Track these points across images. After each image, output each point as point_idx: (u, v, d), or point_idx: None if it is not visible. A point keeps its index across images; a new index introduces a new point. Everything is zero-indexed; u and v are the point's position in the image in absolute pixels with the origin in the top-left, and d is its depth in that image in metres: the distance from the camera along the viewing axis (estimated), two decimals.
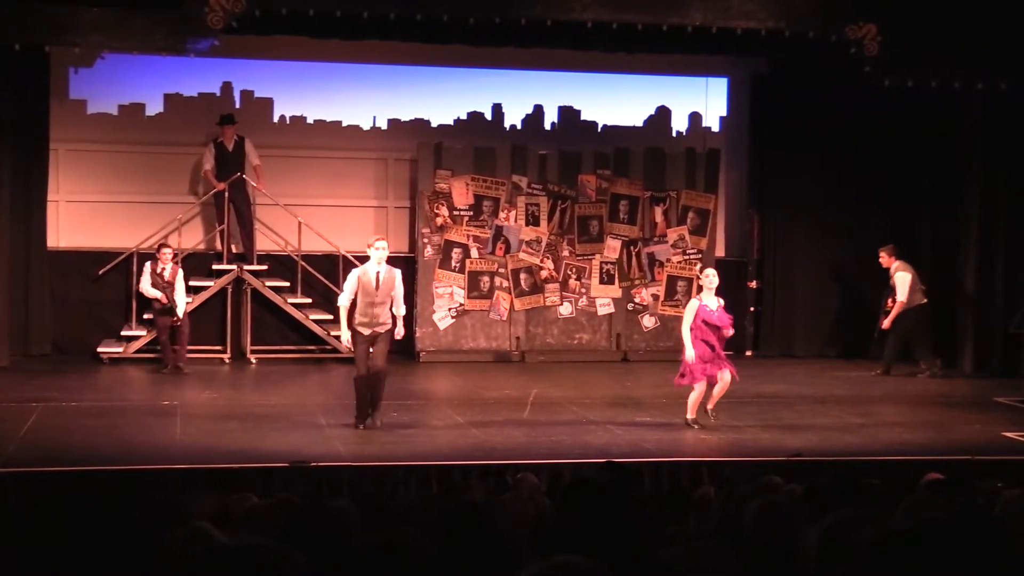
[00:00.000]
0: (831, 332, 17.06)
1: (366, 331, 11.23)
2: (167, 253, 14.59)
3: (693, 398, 11.53)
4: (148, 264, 14.67)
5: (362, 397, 11.29)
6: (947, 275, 16.22)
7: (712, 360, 11.45)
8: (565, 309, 16.18)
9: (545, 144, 16.36)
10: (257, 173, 15.55)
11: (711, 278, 11.63)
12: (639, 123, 17.14)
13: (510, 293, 16.02)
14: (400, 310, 11.41)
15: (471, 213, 15.90)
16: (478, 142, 16.14)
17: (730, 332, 11.62)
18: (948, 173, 16.11)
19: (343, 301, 11.33)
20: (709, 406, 11.65)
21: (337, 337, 14.84)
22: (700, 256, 16.39)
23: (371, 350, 11.30)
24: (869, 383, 14.71)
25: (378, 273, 11.23)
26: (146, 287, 14.61)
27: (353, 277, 11.36)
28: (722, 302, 11.69)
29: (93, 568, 3.03)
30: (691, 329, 11.40)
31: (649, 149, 16.45)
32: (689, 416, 11.51)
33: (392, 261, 11.68)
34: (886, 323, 15.25)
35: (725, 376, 11.54)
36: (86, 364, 14.67)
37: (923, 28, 13.87)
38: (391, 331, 11.40)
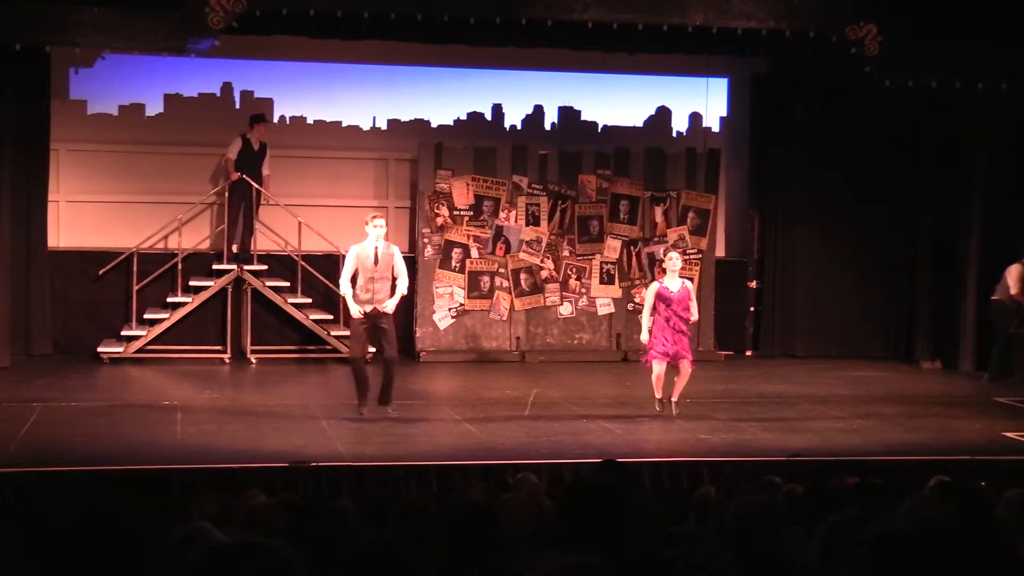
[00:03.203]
0: (831, 332, 17.06)
1: (367, 307, 11.30)
2: None
3: (653, 380, 11.80)
4: None
5: (361, 379, 11.41)
6: (947, 275, 16.23)
7: (673, 344, 11.62)
8: (565, 309, 16.18)
9: (545, 144, 16.36)
10: (264, 182, 15.56)
11: (674, 261, 11.92)
12: (639, 123, 17.14)
13: (510, 293, 16.02)
14: (402, 287, 11.39)
15: (471, 213, 15.90)
16: (478, 142, 16.15)
17: (692, 316, 11.74)
18: (948, 173, 16.11)
19: (344, 282, 11.37)
20: (673, 398, 11.80)
21: (338, 337, 14.90)
22: (700, 256, 16.40)
23: (379, 335, 11.37)
24: (869, 383, 14.71)
25: (376, 248, 11.30)
26: None
27: (351, 254, 11.44)
28: (689, 285, 11.92)
29: (93, 568, 3.03)
30: (652, 312, 11.64)
31: (649, 149, 16.45)
32: (657, 396, 11.77)
33: None
34: None
35: (685, 368, 11.73)
36: (86, 364, 14.67)
37: (923, 28, 13.87)
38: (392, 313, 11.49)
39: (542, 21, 13.51)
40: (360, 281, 11.33)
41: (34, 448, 10.08)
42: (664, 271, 12.01)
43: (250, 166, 15.44)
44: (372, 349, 11.66)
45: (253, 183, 15.43)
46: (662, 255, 13.29)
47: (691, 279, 16.00)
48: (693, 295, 11.94)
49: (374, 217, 11.52)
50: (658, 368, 11.76)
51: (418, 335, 15.78)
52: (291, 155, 16.08)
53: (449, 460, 9.95)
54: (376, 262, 11.26)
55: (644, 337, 11.75)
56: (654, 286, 11.89)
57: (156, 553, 3.36)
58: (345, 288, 11.43)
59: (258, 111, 15.98)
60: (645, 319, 11.78)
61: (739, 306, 16.94)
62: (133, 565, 3.05)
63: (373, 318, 11.36)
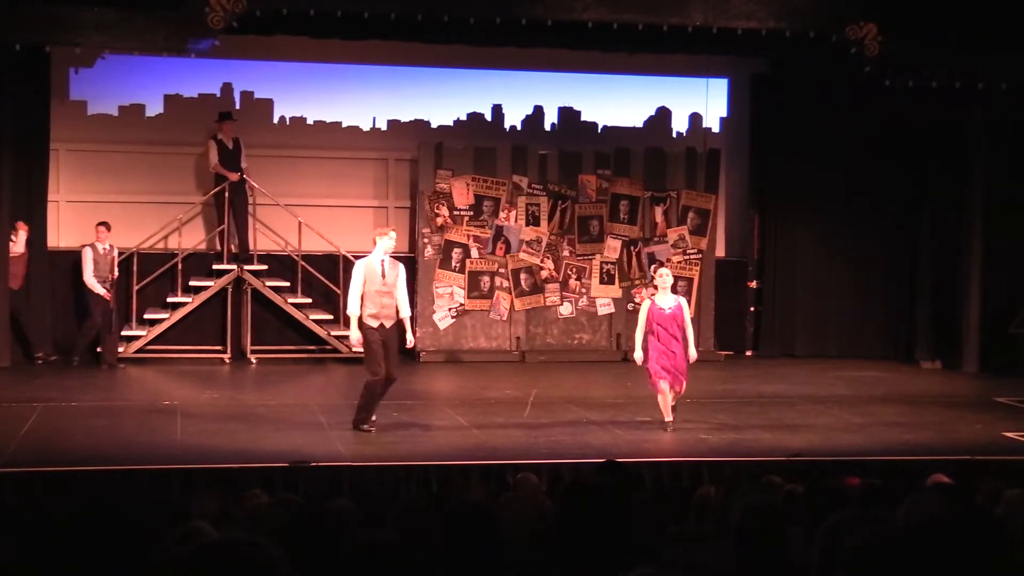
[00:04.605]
0: (831, 332, 17.05)
1: (375, 323, 10.83)
2: (104, 231, 14.76)
3: (661, 402, 11.35)
4: (88, 250, 14.72)
5: (373, 400, 10.99)
6: (947, 275, 16.23)
7: (670, 365, 11.22)
8: (565, 309, 16.18)
9: (545, 144, 16.36)
10: (245, 175, 15.56)
11: (665, 278, 11.40)
12: (639, 124, 17.14)
13: (510, 293, 16.03)
14: (405, 311, 11.07)
15: (471, 213, 15.90)
16: (478, 142, 16.15)
17: (691, 356, 11.30)
18: (948, 173, 16.11)
19: (353, 301, 10.88)
20: (667, 418, 11.47)
21: (337, 337, 14.88)
22: (700, 256, 16.40)
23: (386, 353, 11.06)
24: (869, 383, 14.71)
25: (383, 262, 11.00)
26: (91, 279, 14.65)
27: (359, 273, 10.94)
28: (681, 301, 11.51)
29: (93, 568, 3.03)
30: (647, 332, 11.25)
31: (649, 149, 16.46)
32: (668, 419, 11.31)
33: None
34: None
35: (676, 390, 11.35)
36: (86, 364, 14.67)
37: (923, 28, 13.87)
38: (400, 328, 11.11)
39: (542, 21, 13.51)
40: (369, 295, 10.86)
41: (34, 448, 10.08)
42: (656, 288, 11.66)
43: (232, 165, 15.44)
44: None
45: (250, 180, 15.45)
46: (652, 273, 12.94)
47: (690, 278, 16.09)
48: (688, 316, 11.41)
49: (390, 229, 11.28)
50: (664, 387, 11.26)
51: (418, 335, 15.76)
52: (291, 155, 16.08)
53: (449, 460, 9.94)
54: (384, 275, 10.90)
55: (638, 356, 11.35)
56: (646, 304, 11.45)
57: (155, 553, 3.36)
58: (353, 308, 10.89)
59: (258, 112, 16.00)
60: (637, 338, 11.41)
61: (739, 306, 16.94)
62: (133, 565, 3.05)
63: (383, 334, 10.90)
